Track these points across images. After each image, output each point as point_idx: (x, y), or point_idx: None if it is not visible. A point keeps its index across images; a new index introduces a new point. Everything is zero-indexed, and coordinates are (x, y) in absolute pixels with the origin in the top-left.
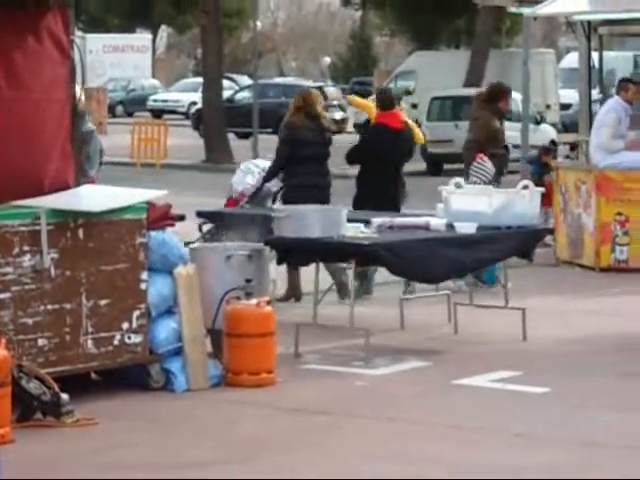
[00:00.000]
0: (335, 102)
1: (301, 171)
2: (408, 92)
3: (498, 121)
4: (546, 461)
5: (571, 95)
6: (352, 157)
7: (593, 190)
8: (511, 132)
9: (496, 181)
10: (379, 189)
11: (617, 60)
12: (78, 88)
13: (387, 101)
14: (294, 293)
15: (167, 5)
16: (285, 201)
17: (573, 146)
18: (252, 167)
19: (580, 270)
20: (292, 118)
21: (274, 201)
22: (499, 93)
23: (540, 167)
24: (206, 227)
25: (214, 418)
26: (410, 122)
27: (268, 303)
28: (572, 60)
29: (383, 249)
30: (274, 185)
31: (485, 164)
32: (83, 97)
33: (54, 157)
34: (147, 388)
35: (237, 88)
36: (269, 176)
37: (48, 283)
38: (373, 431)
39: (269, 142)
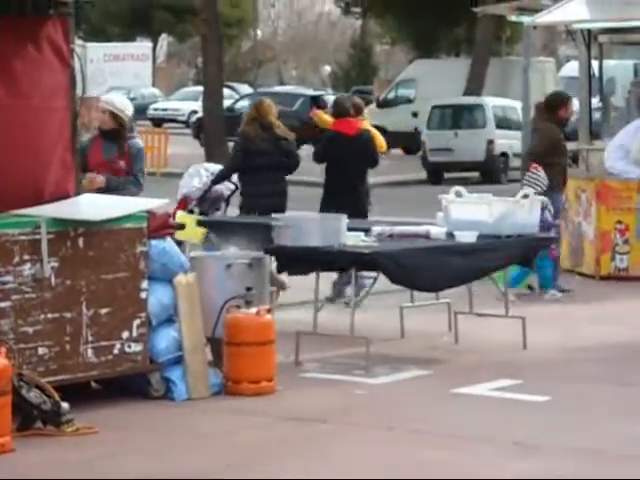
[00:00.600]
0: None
1: (255, 180)
2: (409, 100)
3: (559, 130)
4: (545, 469)
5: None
6: (317, 157)
7: (593, 198)
8: (512, 140)
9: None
10: (341, 195)
11: (617, 68)
12: (122, 99)
13: (341, 109)
14: (275, 284)
15: (167, 14)
16: (242, 210)
17: (574, 158)
18: (201, 170)
19: (580, 278)
20: (246, 128)
21: (227, 204)
22: (558, 101)
23: None
24: None
25: (214, 427)
26: (373, 130)
27: (268, 311)
28: (572, 68)
29: (383, 258)
30: (226, 189)
31: (539, 174)
32: (131, 110)
33: (54, 166)
34: (147, 397)
35: (237, 97)
36: (217, 179)
37: (48, 292)
38: (372, 440)
39: None
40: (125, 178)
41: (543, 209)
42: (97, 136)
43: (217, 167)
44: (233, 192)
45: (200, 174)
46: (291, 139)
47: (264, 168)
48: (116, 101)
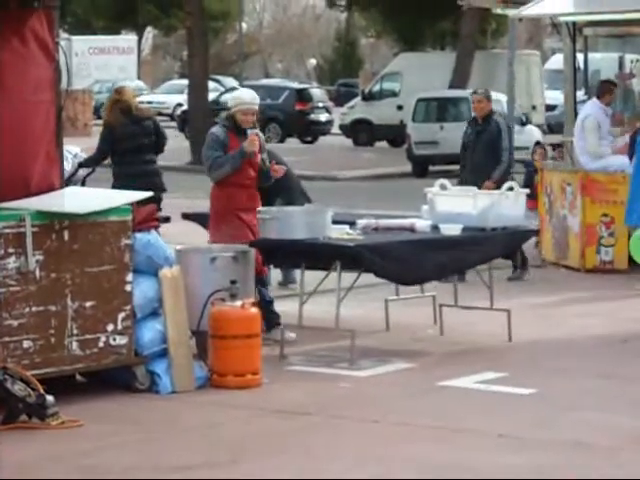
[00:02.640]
0: (320, 104)
1: (125, 162)
2: (394, 93)
3: None
4: (529, 462)
5: (556, 96)
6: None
7: (578, 191)
8: None
9: None
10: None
11: (602, 61)
12: (248, 92)
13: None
14: None
15: (153, 7)
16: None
17: (555, 146)
18: (66, 153)
19: (565, 271)
20: (109, 118)
21: (83, 185)
22: None
23: (533, 167)
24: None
25: (199, 420)
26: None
27: (253, 304)
28: (557, 61)
29: (368, 250)
30: (83, 171)
31: None
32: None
33: (39, 159)
34: (132, 390)
35: (223, 90)
36: (86, 163)
37: (33, 285)
38: (358, 433)
39: None
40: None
41: None
42: (228, 131)
43: (77, 149)
44: (89, 174)
45: (66, 157)
46: (154, 118)
47: (132, 151)
48: (244, 96)
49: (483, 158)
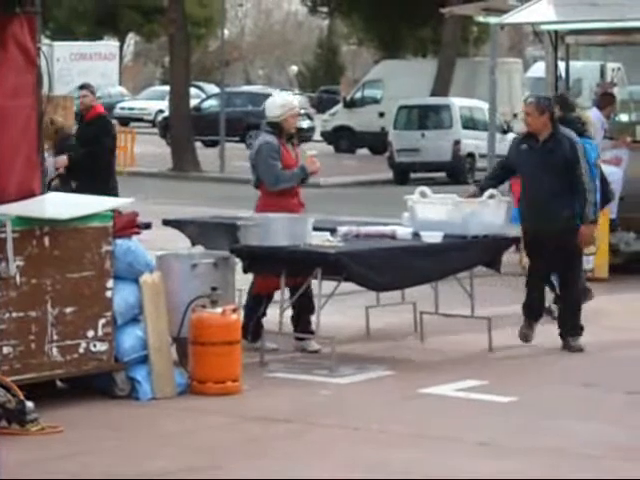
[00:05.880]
0: (302, 111)
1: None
2: (376, 100)
3: None
4: (510, 470)
5: None
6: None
7: None
8: (478, 141)
9: None
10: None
11: (584, 70)
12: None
13: None
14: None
15: (135, 13)
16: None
17: None
18: None
19: None
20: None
21: (49, 188)
22: None
23: None
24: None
25: (179, 427)
26: None
27: (234, 311)
28: (539, 69)
29: (349, 258)
30: (51, 173)
31: None
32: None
33: (19, 164)
34: (112, 396)
35: (204, 96)
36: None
37: (14, 291)
38: (338, 440)
39: (236, 150)
40: None
41: None
42: (278, 138)
43: (45, 153)
44: (55, 177)
45: None
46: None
47: None
48: (293, 101)
49: (559, 184)
